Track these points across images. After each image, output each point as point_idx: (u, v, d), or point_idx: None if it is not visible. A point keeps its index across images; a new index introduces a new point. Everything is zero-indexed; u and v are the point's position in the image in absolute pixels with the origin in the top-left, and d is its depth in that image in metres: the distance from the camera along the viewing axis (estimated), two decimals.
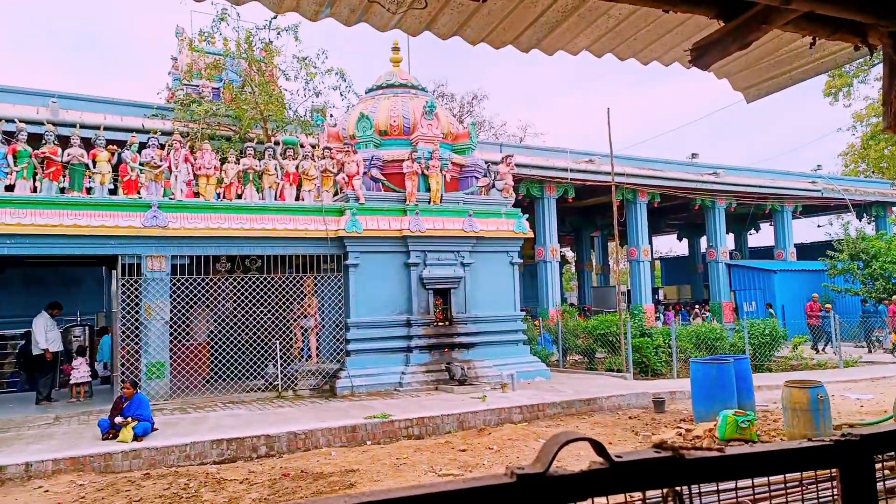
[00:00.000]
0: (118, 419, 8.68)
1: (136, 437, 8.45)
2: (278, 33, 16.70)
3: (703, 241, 27.88)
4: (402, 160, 13.38)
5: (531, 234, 14.97)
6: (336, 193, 13.52)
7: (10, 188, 11.02)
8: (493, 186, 14.52)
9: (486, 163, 15.10)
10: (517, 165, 16.31)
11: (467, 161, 14.76)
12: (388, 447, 8.98)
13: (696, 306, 25.33)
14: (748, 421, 8.16)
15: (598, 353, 15.68)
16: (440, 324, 13.29)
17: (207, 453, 8.48)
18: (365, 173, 13.23)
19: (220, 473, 7.68)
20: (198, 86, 17.84)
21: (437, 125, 13.90)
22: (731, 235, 29.59)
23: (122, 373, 11.04)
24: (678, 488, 1.18)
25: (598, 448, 0.92)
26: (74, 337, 13.43)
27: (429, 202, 13.41)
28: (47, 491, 6.99)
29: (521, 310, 14.55)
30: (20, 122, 11.64)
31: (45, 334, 11.72)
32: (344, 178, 13.03)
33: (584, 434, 1.06)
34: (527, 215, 14.84)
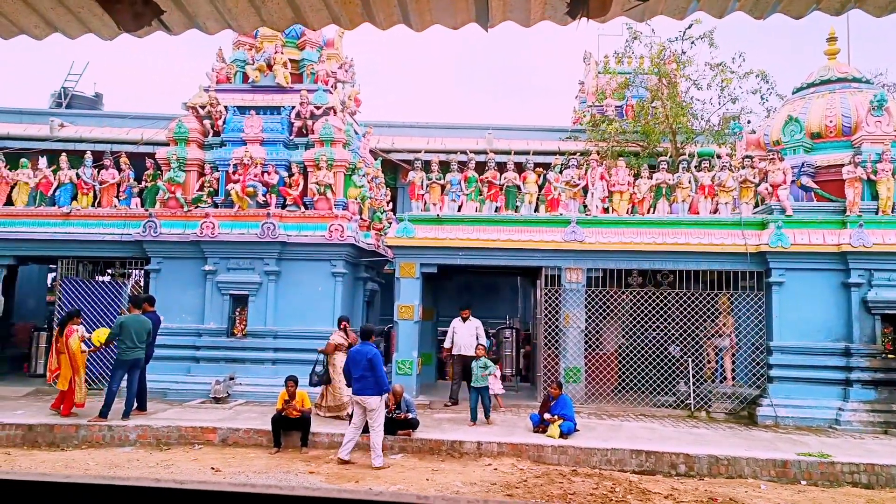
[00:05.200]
0: (546, 416, 9.53)
1: (562, 435, 9.14)
2: (692, 43, 16.31)
3: None
4: (841, 165, 11.60)
5: None
6: (757, 205, 12.48)
7: (458, 209, 13.19)
8: None
9: None
10: None
11: None
12: (829, 491, 7.84)
13: None
14: None
15: None
16: (890, 356, 11.07)
17: (627, 461, 8.66)
18: (793, 182, 11.89)
19: (641, 483, 7.75)
20: (602, 106, 18.59)
21: (888, 121, 11.67)
22: None
23: (545, 374, 12.13)
24: None
25: None
26: (504, 338, 15.29)
27: (876, 212, 11.33)
28: (496, 469, 8.06)
29: None
30: (471, 152, 13.86)
31: (453, 335, 12.20)
32: (767, 189, 11.94)
33: None
34: None
